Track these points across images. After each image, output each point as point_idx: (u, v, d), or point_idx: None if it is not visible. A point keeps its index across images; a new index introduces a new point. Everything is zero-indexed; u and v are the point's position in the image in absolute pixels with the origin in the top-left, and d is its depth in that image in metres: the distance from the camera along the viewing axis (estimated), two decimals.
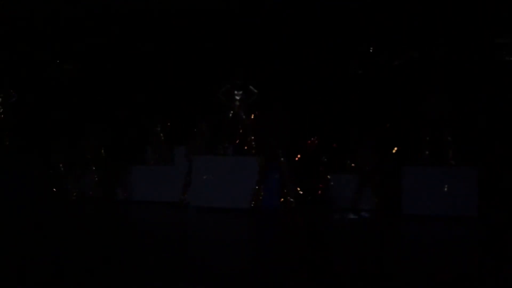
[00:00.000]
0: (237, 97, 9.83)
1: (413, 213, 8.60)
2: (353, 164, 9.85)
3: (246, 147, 9.81)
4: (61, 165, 10.93)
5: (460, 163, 8.84)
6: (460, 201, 8.49)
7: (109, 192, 10.73)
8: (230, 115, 9.85)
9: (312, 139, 11.02)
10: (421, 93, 9.37)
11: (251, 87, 9.80)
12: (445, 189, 8.64)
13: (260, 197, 8.95)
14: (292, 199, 9.03)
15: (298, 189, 9.25)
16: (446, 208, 8.56)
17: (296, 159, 10.42)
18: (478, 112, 9.50)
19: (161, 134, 11.09)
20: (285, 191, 9.09)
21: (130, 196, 10.72)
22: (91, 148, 10.73)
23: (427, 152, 9.17)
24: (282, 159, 9.08)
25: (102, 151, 10.87)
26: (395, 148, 10.25)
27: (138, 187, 10.72)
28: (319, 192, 10.25)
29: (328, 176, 10.11)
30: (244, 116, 9.83)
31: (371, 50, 11.39)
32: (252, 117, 10.01)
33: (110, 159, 10.85)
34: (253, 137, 9.67)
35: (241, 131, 9.95)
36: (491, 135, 9.19)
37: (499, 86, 9.90)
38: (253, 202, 8.94)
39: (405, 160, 9.47)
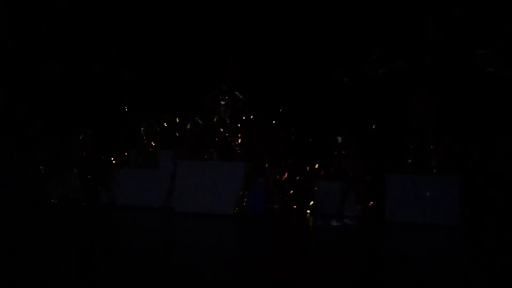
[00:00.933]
0: (223, 102, 9.82)
1: (396, 221, 8.66)
2: (337, 171, 9.90)
3: (231, 153, 9.79)
4: (41, 168, 10.75)
5: (443, 172, 8.94)
6: (443, 210, 8.58)
7: (92, 196, 10.59)
8: (215, 120, 9.84)
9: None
10: (405, 101, 9.47)
11: (237, 92, 9.80)
12: (428, 197, 8.73)
13: (244, 203, 8.92)
14: (276, 206, 9.03)
15: (283, 195, 9.26)
16: (428, 216, 8.64)
17: (282, 165, 10.43)
18: (461, 121, 9.62)
19: (145, 138, 10.99)
20: (270, 197, 9.08)
21: (113, 200, 10.59)
22: (74, 151, 10.58)
23: (410, 161, 9.27)
24: (267, 165, 9.08)
25: (85, 153, 10.73)
26: (379, 156, 10.33)
27: (122, 191, 10.57)
28: (304, 198, 10.27)
29: (312, 183, 10.14)
30: (229, 122, 9.82)
31: (356, 58, 11.49)
32: (238, 123, 10.02)
33: (93, 162, 10.71)
34: (238, 143, 9.66)
35: (226, 136, 9.93)
36: (474, 144, 9.31)
37: (482, 96, 10.05)
38: (237, 208, 8.91)
39: (389, 168, 9.54)
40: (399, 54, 11.14)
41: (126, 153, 11.32)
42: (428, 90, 9.29)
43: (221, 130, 9.83)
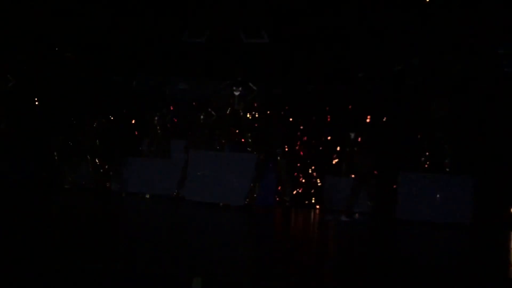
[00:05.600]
0: (236, 93, 9.82)
1: (408, 219, 8.60)
2: (349, 167, 9.86)
3: (243, 144, 9.79)
4: (55, 154, 10.85)
5: (456, 171, 8.87)
6: (455, 209, 8.51)
7: (103, 182, 10.67)
8: (228, 111, 9.84)
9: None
10: (421, 99, 9.39)
11: (250, 84, 9.80)
12: (441, 196, 8.66)
13: (255, 195, 8.92)
14: (287, 199, 9.01)
15: (294, 189, 9.24)
16: (440, 215, 8.58)
17: (294, 159, 10.40)
18: (476, 121, 9.51)
19: (158, 127, 11.02)
20: (281, 190, 9.07)
21: (125, 187, 10.65)
22: (87, 138, 10.66)
23: (423, 159, 9.22)
24: (279, 158, 9.07)
25: (98, 141, 10.79)
26: (392, 153, 10.26)
27: (133, 179, 10.63)
28: (315, 192, 10.24)
29: (323, 178, 10.10)
30: (242, 113, 9.82)
31: (372, 55, 11.39)
32: (251, 114, 10.01)
33: (105, 150, 10.77)
34: (250, 134, 9.66)
35: (239, 128, 9.93)
36: (488, 145, 9.21)
37: (499, 96, 9.93)
38: (247, 200, 8.91)
39: (402, 165, 9.48)
40: (415, 52, 11.03)
41: (139, 142, 11.35)
42: (444, 89, 9.21)
43: (234, 121, 9.83)
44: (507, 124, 9.41)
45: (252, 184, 8.92)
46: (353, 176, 9.49)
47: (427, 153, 9.23)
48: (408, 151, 9.77)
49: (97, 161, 10.55)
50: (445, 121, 9.38)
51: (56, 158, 10.87)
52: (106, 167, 10.83)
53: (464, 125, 9.52)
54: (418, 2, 10.30)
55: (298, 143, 10.76)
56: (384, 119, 10.72)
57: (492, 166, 8.96)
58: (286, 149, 9.45)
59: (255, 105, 10.20)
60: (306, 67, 11.31)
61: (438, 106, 9.46)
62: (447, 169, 8.97)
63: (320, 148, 10.88)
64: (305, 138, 10.94)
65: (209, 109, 10.45)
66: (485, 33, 10.32)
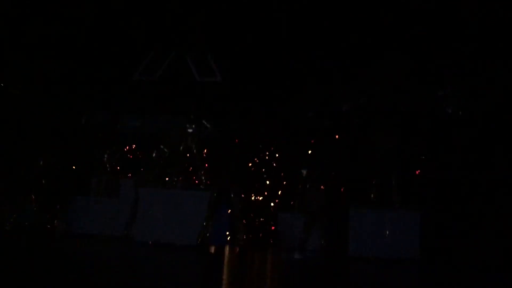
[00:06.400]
0: (190, 130, 9.79)
1: (360, 255, 8.71)
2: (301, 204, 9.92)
3: (196, 182, 9.69)
4: None
5: (404, 206, 9.13)
6: (404, 244, 8.71)
7: (48, 223, 10.18)
8: (181, 148, 9.76)
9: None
10: (368, 137, 9.71)
11: (204, 121, 9.81)
12: (390, 231, 8.85)
13: (208, 234, 8.78)
14: (240, 237, 8.93)
15: (247, 226, 9.18)
16: (390, 250, 8.74)
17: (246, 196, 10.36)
18: (422, 156, 9.90)
19: (108, 165, 10.75)
20: (235, 228, 8.98)
21: (70, 228, 10.19)
22: (32, 175, 10.21)
23: (372, 195, 9.46)
24: (232, 195, 9.02)
25: (43, 179, 10.37)
26: (342, 189, 10.44)
27: (80, 219, 10.20)
28: (268, 230, 10.20)
29: (277, 216, 10.10)
30: (195, 150, 9.77)
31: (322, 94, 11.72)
32: (205, 151, 9.97)
33: (51, 188, 10.34)
34: (203, 172, 9.59)
35: (191, 164, 9.84)
36: (434, 179, 9.57)
37: (441, 133, 10.42)
38: (199, 239, 8.75)
39: (352, 201, 9.66)
40: (363, 92, 11.45)
41: (86, 181, 10.99)
42: (389, 127, 9.60)
43: (187, 158, 9.75)
44: (451, 159, 9.83)
45: (204, 223, 8.79)
46: (305, 213, 9.56)
47: (375, 188, 9.47)
48: (357, 187, 9.99)
49: (42, 200, 10.10)
50: (391, 156, 9.72)
51: None
52: (52, 206, 10.36)
53: (410, 160, 9.88)
54: (363, 48, 10.77)
55: (251, 180, 10.75)
56: (332, 155, 10.95)
57: (438, 200, 9.29)
58: (239, 187, 9.41)
59: (208, 141, 10.19)
60: (258, 104, 11.48)
61: (383, 141, 9.83)
62: (396, 204, 9.24)
63: (272, 185, 10.91)
64: (258, 174, 10.95)
65: (161, 146, 10.33)
66: (426, 76, 10.91)
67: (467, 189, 9.18)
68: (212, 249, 8.59)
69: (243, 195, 9.77)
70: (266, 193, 10.78)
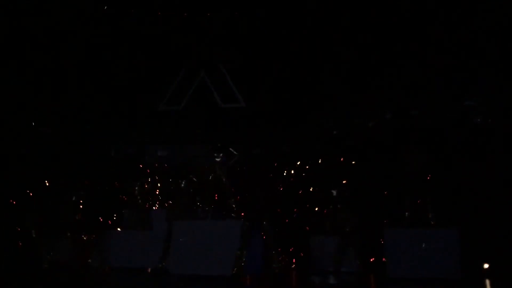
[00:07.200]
0: (218, 159, 9.81)
1: (398, 276, 8.52)
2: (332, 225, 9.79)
3: (227, 211, 9.67)
4: (33, 231, 10.46)
5: (441, 224, 8.92)
6: (443, 263, 8.49)
7: (84, 259, 10.28)
8: (210, 177, 9.77)
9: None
10: (400, 154, 9.57)
11: (231, 149, 9.83)
12: (428, 250, 8.65)
13: (243, 263, 8.72)
14: (276, 265, 8.84)
15: (281, 253, 9.09)
16: (430, 270, 8.52)
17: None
18: (457, 172, 9.67)
19: (139, 197, 10.84)
20: (269, 256, 8.90)
21: (106, 262, 10.26)
22: (66, 213, 10.37)
23: (407, 213, 9.28)
24: (265, 223, 8.97)
25: (77, 216, 10.51)
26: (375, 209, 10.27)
27: (115, 253, 10.27)
28: (302, 255, 10.08)
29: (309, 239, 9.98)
30: (224, 179, 9.76)
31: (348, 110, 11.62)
32: (234, 180, 9.96)
33: (86, 224, 10.48)
34: (233, 200, 9.57)
35: (221, 193, 9.84)
36: (471, 196, 9.34)
37: (472, 144, 10.19)
38: (235, 269, 8.70)
39: (386, 221, 9.49)
40: (388, 107, 11.31)
41: (118, 214, 11.10)
42: (421, 142, 9.44)
43: (216, 187, 9.75)
44: (485, 173, 9.59)
45: (238, 252, 8.74)
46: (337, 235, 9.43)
47: (410, 208, 9.28)
48: (390, 205, 9.82)
49: (78, 236, 10.22)
50: (423, 173, 9.53)
51: (33, 236, 10.47)
52: (86, 242, 10.47)
53: (443, 176, 9.66)
54: (387, 62, 10.69)
55: (283, 205, 10.67)
56: (362, 174, 10.81)
57: (476, 216, 9.05)
58: (270, 213, 9.36)
59: (237, 169, 10.19)
60: (284, 126, 11.46)
61: (413, 159, 9.66)
62: (432, 222, 9.03)
63: (305, 207, 10.80)
64: (289, 199, 10.86)
65: (190, 176, 10.36)
66: (452, 86, 10.73)
67: (506, 202, 8.93)
68: (248, 280, 8.52)
69: (275, 221, 9.71)
70: (297, 217, 10.70)
